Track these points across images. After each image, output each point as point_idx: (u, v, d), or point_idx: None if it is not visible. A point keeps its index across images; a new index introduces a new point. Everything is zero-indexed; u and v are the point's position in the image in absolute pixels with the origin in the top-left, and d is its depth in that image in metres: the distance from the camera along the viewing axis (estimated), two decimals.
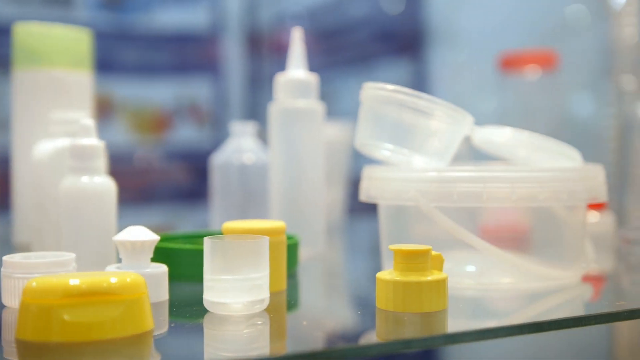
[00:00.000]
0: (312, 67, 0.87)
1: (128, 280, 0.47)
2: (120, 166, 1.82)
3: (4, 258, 0.55)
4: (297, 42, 0.84)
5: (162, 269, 0.57)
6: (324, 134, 0.85)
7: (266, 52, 2.06)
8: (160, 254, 0.64)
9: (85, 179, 0.64)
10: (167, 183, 1.96)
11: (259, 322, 0.51)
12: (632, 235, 0.79)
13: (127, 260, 0.56)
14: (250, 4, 2.08)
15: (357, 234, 1.20)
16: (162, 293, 0.57)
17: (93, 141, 0.65)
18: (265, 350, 0.47)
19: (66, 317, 0.44)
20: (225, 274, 0.51)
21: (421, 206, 0.62)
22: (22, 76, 0.91)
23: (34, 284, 0.45)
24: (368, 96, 0.68)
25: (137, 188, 1.88)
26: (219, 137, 1.89)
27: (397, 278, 0.53)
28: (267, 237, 0.53)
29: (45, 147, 0.76)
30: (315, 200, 0.83)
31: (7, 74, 0.95)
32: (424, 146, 0.66)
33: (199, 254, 0.54)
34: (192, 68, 2.02)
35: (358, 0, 1.81)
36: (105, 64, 1.83)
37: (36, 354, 0.44)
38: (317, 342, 0.51)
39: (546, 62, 1.23)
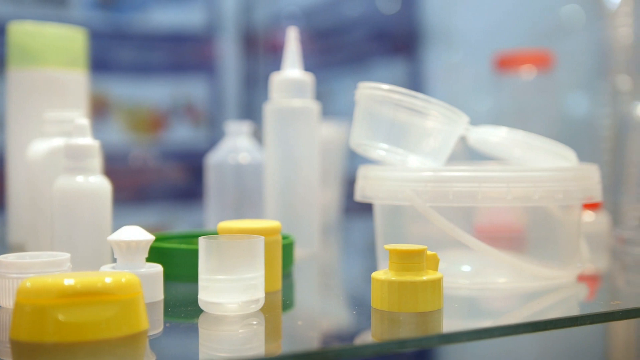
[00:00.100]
0: (308, 66, 0.87)
1: (123, 280, 0.47)
2: (115, 166, 1.82)
3: None
4: (292, 42, 0.84)
5: (157, 269, 0.57)
6: (319, 134, 0.85)
7: (262, 51, 2.06)
8: (155, 254, 0.64)
9: (80, 178, 0.64)
10: (163, 183, 1.95)
11: (254, 322, 0.51)
12: (627, 235, 0.79)
13: (122, 260, 0.56)
14: (245, 4, 2.08)
15: (353, 233, 1.20)
16: (157, 293, 0.57)
17: (88, 141, 0.65)
18: (260, 351, 0.46)
19: (60, 317, 0.44)
20: (220, 274, 0.51)
21: (416, 206, 0.62)
22: (16, 75, 0.91)
23: (28, 284, 0.45)
24: (363, 96, 0.68)
25: (132, 188, 1.88)
26: (215, 136, 1.89)
27: (393, 278, 0.53)
28: (262, 237, 0.53)
29: (40, 147, 0.76)
30: (311, 200, 0.83)
31: (2, 73, 0.95)
32: (419, 146, 0.66)
33: (194, 253, 0.54)
34: (187, 68, 2.02)
35: (353, 0, 1.81)
36: (101, 63, 1.83)
37: (30, 354, 0.43)
38: (312, 342, 0.51)
39: (542, 62, 1.23)
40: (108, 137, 1.87)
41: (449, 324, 0.52)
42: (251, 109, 2.00)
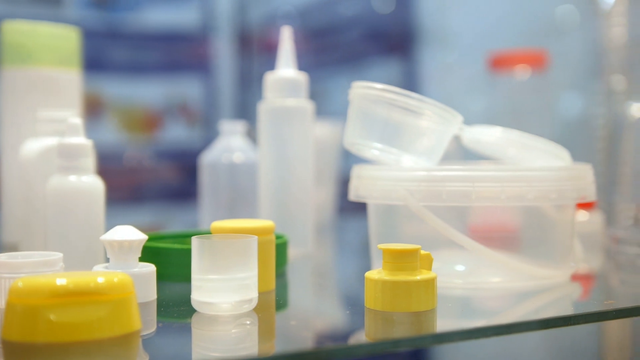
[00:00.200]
0: (303, 66, 0.87)
1: (115, 280, 0.47)
2: (110, 165, 1.82)
3: None
4: (286, 41, 0.84)
5: (150, 268, 0.57)
6: (313, 133, 0.85)
7: (256, 51, 2.06)
8: (148, 254, 0.64)
9: (73, 178, 0.64)
10: (158, 182, 1.95)
11: (248, 322, 0.51)
12: (621, 235, 0.79)
13: (115, 260, 0.56)
14: (240, 3, 2.08)
15: (347, 233, 1.20)
16: (150, 293, 0.57)
17: (81, 140, 0.65)
18: (254, 350, 0.46)
19: (52, 317, 0.44)
20: (213, 273, 0.51)
21: (410, 205, 0.62)
22: (9, 74, 0.90)
23: (20, 283, 0.45)
24: (357, 95, 0.68)
25: (127, 187, 1.88)
26: (210, 136, 1.89)
27: (386, 277, 0.53)
28: (256, 237, 0.53)
29: (33, 146, 0.76)
30: (305, 200, 0.83)
31: None
32: (413, 145, 0.66)
33: (188, 253, 0.54)
34: (182, 67, 2.02)
35: None
36: (96, 63, 1.83)
37: (22, 354, 0.43)
38: (305, 342, 0.51)
39: (536, 62, 1.23)
40: (102, 136, 1.87)
41: (443, 324, 0.52)
42: (246, 109, 2.00)
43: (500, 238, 0.67)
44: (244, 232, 0.57)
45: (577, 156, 0.72)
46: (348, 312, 0.61)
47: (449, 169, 0.62)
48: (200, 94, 2.02)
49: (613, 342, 0.99)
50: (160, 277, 0.60)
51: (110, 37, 1.92)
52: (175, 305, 0.57)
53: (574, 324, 0.55)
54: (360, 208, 0.76)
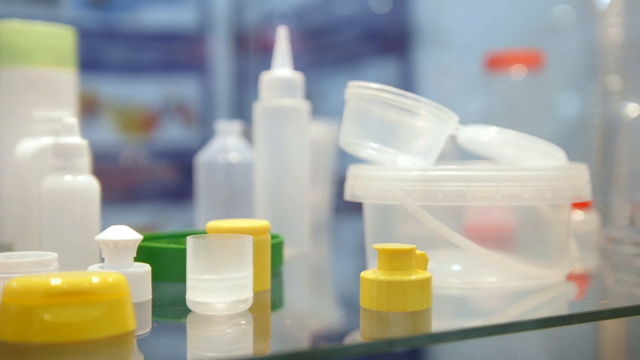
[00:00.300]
0: (300, 66, 0.87)
1: (110, 280, 0.47)
2: (107, 165, 1.82)
3: None
4: (282, 41, 0.84)
5: (145, 268, 0.57)
6: (309, 133, 0.85)
7: (253, 51, 2.06)
8: (144, 254, 0.63)
9: (68, 178, 0.64)
10: (155, 182, 1.95)
11: (243, 322, 0.51)
12: (616, 234, 0.80)
13: (110, 260, 0.56)
14: (237, 3, 2.08)
15: (343, 233, 1.20)
16: (145, 293, 0.57)
17: (76, 140, 0.65)
18: (249, 350, 0.46)
19: (47, 317, 0.44)
20: (208, 273, 0.51)
21: (406, 205, 0.62)
22: (4, 74, 0.90)
23: (14, 284, 0.45)
24: (353, 95, 0.68)
25: (124, 187, 1.88)
26: (206, 136, 1.89)
27: (381, 277, 0.53)
28: (251, 237, 0.53)
29: (28, 146, 0.75)
30: (301, 200, 0.83)
31: None
32: (409, 145, 0.66)
33: (183, 253, 0.54)
34: (179, 67, 2.02)
35: None
36: (93, 62, 1.83)
37: (17, 354, 0.43)
38: (301, 342, 0.51)
39: (532, 61, 1.23)
40: (99, 136, 1.87)
41: (438, 324, 0.52)
42: (242, 109, 2.00)
43: (495, 238, 0.67)
44: (239, 232, 0.57)
45: (573, 156, 0.72)
46: (344, 312, 0.61)
47: (444, 169, 0.62)
48: (197, 94, 2.02)
49: (609, 342, 0.99)
50: (156, 277, 0.60)
51: (107, 37, 1.92)
52: (170, 305, 0.56)
53: (569, 323, 0.55)
54: (356, 208, 0.76)
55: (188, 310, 0.53)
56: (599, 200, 1.13)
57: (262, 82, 0.84)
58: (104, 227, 0.60)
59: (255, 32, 2.05)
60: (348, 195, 0.69)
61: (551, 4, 1.35)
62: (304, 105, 0.84)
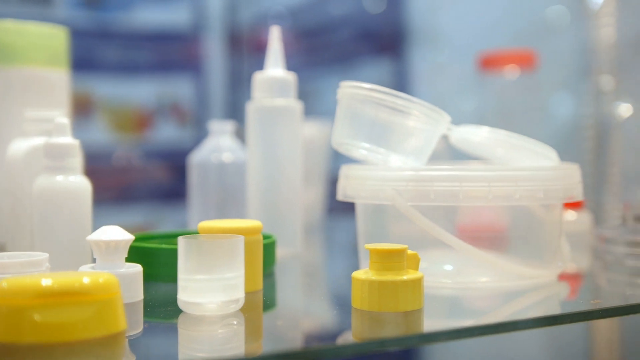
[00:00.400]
0: (293, 66, 0.87)
1: (100, 280, 0.46)
2: (101, 165, 1.81)
3: None
4: (275, 41, 0.84)
5: (137, 268, 0.57)
6: (302, 133, 0.85)
7: (247, 51, 2.06)
8: (135, 254, 0.63)
9: (59, 178, 0.64)
10: (148, 182, 1.95)
11: (234, 322, 0.51)
12: (608, 234, 0.80)
13: (101, 260, 0.56)
14: (231, 3, 2.07)
15: (336, 233, 1.20)
16: (137, 293, 0.57)
17: (68, 140, 0.65)
18: (240, 350, 0.46)
19: (37, 317, 0.44)
20: (200, 273, 0.51)
21: (398, 205, 0.62)
22: None
23: (4, 284, 0.45)
24: (345, 95, 0.68)
25: (118, 187, 1.87)
26: (201, 136, 1.88)
27: (373, 277, 0.53)
28: (242, 237, 0.53)
29: (20, 146, 0.75)
30: (294, 200, 0.83)
31: None
32: (401, 145, 0.66)
33: (174, 253, 0.54)
34: (173, 67, 2.01)
35: None
36: (86, 62, 1.82)
37: (7, 355, 0.43)
38: (292, 342, 0.51)
39: (525, 62, 1.23)
40: (93, 136, 1.87)
41: (430, 324, 0.52)
42: (237, 109, 1.99)
43: (488, 238, 0.67)
44: (231, 232, 0.57)
45: (566, 156, 0.72)
46: (335, 312, 0.61)
47: (436, 169, 0.62)
48: (191, 94, 2.02)
49: (603, 341, 0.99)
50: (147, 278, 0.60)
51: (100, 37, 1.91)
52: (161, 306, 0.56)
53: (561, 323, 0.55)
54: (349, 208, 0.76)
55: (179, 311, 0.53)
56: (592, 200, 1.13)
57: (254, 82, 0.83)
58: (97, 227, 0.60)
59: (250, 32, 2.05)
60: (340, 195, 0.69)
61: (544, 4, 1.35)
62: (296, 105, 0.84)
